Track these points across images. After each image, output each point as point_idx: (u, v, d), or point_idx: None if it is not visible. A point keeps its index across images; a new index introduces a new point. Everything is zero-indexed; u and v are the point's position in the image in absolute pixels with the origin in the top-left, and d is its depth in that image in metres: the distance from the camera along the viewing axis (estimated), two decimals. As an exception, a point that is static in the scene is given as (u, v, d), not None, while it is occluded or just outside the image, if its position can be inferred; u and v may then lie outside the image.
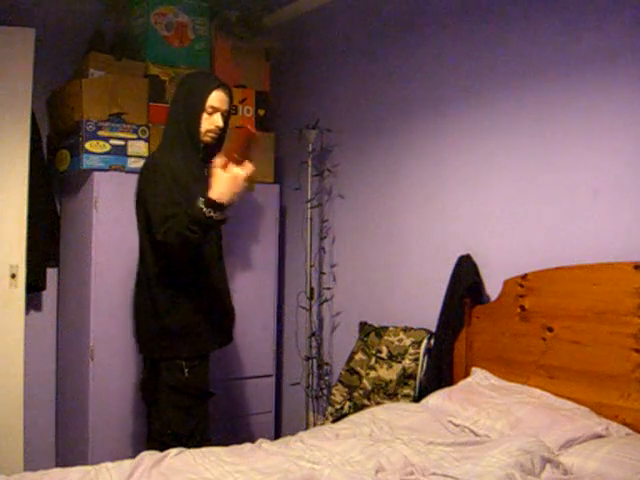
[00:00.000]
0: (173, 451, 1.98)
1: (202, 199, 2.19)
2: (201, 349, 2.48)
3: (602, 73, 2.34)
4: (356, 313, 3.27)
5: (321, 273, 3.53)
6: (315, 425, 3.25)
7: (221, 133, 2.55)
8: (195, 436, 2.37)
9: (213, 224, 2.24)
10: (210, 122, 2.49)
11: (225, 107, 2.53)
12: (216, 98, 2.48)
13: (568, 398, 2.26)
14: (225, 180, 2.20)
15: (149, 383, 2.55)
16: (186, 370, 2.40)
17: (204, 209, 2.17)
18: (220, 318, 2.56)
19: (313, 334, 3.45)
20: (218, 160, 2.25)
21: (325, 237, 3.52)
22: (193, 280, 2.45)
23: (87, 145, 2.97)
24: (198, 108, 2.46)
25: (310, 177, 3.41)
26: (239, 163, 2.23)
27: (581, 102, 2.40)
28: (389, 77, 3.22)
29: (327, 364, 3.48)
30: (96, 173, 3.02)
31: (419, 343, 2.80)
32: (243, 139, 2.26)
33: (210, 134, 2.50)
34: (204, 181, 2.55)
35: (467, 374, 2.63)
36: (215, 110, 2.49)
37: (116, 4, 3.43)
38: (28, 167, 2.93)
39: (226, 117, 2.55)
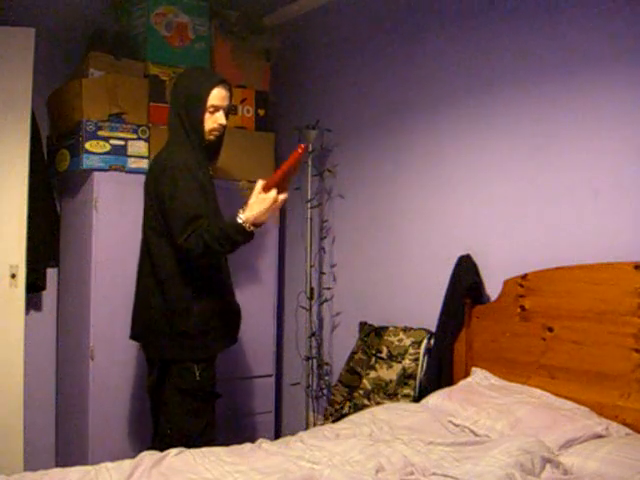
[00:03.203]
0: (173, 451, 1.97)
1: (239, 218, 2.21)
2: (212, 350, 2.46)
3: (602, 73, 2.34)
4: (356, 313, 3.27)
5: (321, 273, 3.53)
6: (315, 425, 3.25)
7: (223, 130, 2.53)
8: (203, 437, 2.36)
9: (243, 242, 2.26)
10: (213, 120, 2.47)
11: (226, 103, 2.50)
12: (217, 96, 2.46)
13: (568, 398, 2.26)
14: (265, 203, 2.22)
15: (158, 385, 2.52)
16: (197, 372, 2.38)
17: (240, 227, 2.21)
18: (230, 318, 2.55)
19: (313, 334, 3.45)
20: (260, 182, 2.26)
21: (325, 237, 3.52)
22: (208, 280, 2.45)
23: (87, 145, 2.97)
24: (200, 108, 2.44)
25: (310, 177, 3.41)
26: (281, 187, 2.24)
27: (581, 102, 2.40)
28: (389, 77, 3.22)
29: (327, 364, 3.48)
30: (96, 173, 3.01)
31: (419, 343, 2.80)
32: (297, 158, 2.22)
33: (214, 132, 2.49)
34: (210, 180, 2.53)
35: (467, 374, 2.63)
36: (217, 108, 2.46)
37: (116, 4, 3.43)
38: (28, 167, 2.92)
39: (227, 113, 2.53)
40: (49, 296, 3.41)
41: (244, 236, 2.24)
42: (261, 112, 3.50)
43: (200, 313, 2.40)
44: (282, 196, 2.26)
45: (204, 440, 2.33)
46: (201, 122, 2.45)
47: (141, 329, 2.53)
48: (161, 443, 2.38)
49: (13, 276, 2.92)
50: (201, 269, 2.42)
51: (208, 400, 2.46)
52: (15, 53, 2.87)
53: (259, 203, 2.23)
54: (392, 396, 2.77)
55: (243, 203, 2.27)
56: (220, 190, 2.74)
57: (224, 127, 2.52)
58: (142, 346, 2.61)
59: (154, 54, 3.21)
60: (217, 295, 2.47)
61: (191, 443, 2.22)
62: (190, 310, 2.39)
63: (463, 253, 2.73)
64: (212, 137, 2.50)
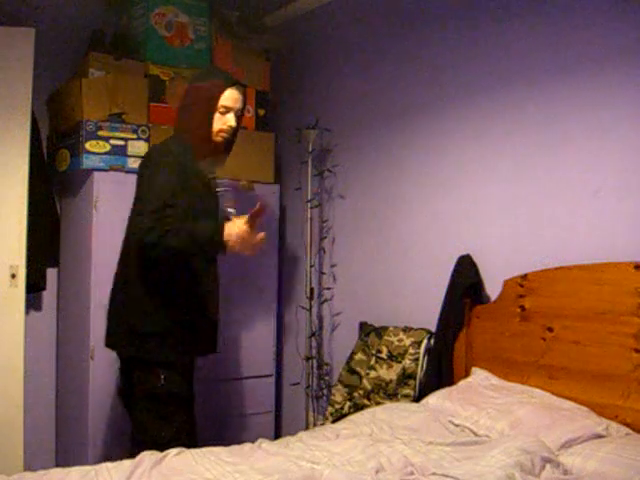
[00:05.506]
0: (173, 451, 1.97)
1: (217, 229, 2.18)
2: (177, 355, 2.36)
3: (603, 73, 2.34)
4: (356, 313, 3.27)
5: (321, 273, 3.53)
6: (315, 425, 3.25)
7: (233, 132, 2.48)
8: (173, 443, 2.18)
9: (209, 253, 2.24)
10: (222, 122, 2.42)
11: (238, 106, 2.46)
12: (229, 97, 2.42)
13: (568, 398, 2.26)
14: (247, 236, 2.21)
15: (126, 387, 2.45)
16: (162, 377, 2.30)
17: (213, 240, 2.17)
18: (201, 326, 2.45)
19: (313, 334, 3.45)
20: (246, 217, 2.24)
21: (325, 237, 3.52)
22: (176, 284, 2.36)
23: (87, 145, 2.97)
24: (210, 107, 2.40)
25: (310, 177, 3.41)
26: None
27: (581, 102, 2.40)
28: (389, 77, 3.22)
29: (327, 364, 3.48)
30: (96, 173, 3.02)
31: (419, 343, 2.80)
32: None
33: (222, 134, 2.44)
34: (208, 182, 2.48)
35: (467, 374, 2.63)
36: (228, 110, 2.42)
37: (116, 4, 3.43)
38: (28, 167, 2.93)
39: (239, 116, 2.49)
40: (49, 296, 3.41)
41: (214, 251, 2.21)
42: (261, 112, 3.50)
43: (159, 315, 2.32)
44: (261, 239, 2.27)
45: (177, 446, 2.14)
46: (210, 122, 2.40)
47: (107, 327, 2.46)
48: (134, 448, 2.28)
49: (13, 276, 2.92)
50: (166, 270, 2.33)
51: (178, 404, 2.36)
52: (15, 53, 2.87)
53: (243, 234, 2.21)
54: (392, 396, 2.77)
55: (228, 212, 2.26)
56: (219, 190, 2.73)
57: (234, 130, 2.47)
58: (107, 343, 2.49)
59: (154, 54, 3.21)
60: (185, 300, 2.38)
61: (162, 449, 2.08)
62: (149, 311, 2.32)
63: (463, 253, 2.73)
64: (219, 138, 2.44)
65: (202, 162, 2.45)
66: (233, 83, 2.46)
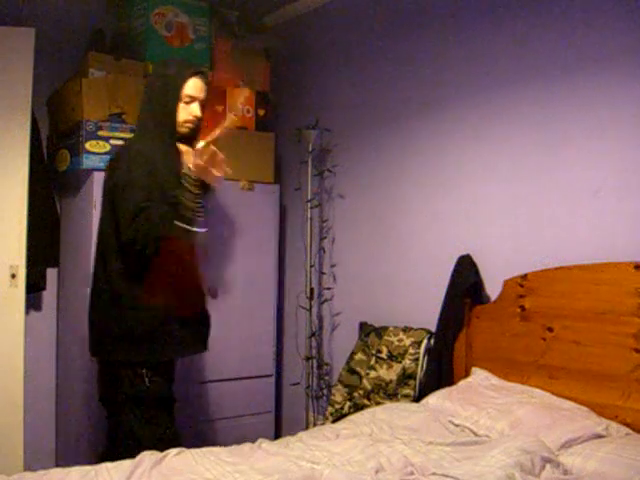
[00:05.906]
0: (173, 451, 1.97)
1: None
2: (162, 355, 2.33)
3: (603, 72, 2.34)
4: (356, 313, 3.27)
5: (321, 273, 3.53)
6: (315, 425, 3.25)
7: (198, 123, 2.42)
8: (161, 444, 2.14)
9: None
10: (187, 112, 2.37)
11: (203, 95, 2.40)
12: (193, 86, 2.37)
13: (568, 398, 2.26)
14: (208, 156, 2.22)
15: (109, 390, 2.41)
16: (147, 379, 2.27)
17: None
18: (190, 324, 2.40)
19: (313, 334, 3.45)
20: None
21: (325, 237, 3.52)
22: (160, 280, 2.30)
23: (87, 145, 2.97)
24: (174, 98, 2.34)
25: (310, 177, 3.41)
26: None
27: (581, 102, 2.40)
28: (389, 77, 3.22)
29: (327, 364, 3.48)
30: (96, 173, 3.01)
31: (419, 343, 2.80)
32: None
33: (187, 124, 2.39)
34: (179, 175, 2.39)
35: (467, 374, 2.63)
36: (192, 99, 2.37)
37: (116, 4, 3.43)
38: (28, 167, 2.93)
39: (204, 105, 2.43)
40: (49, 296, 3.41)
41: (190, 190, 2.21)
42: (261, 112, 3.50)
43: (146, 314, 2.28)
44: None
45: (163, 447, 2.11)
46: (174, 112, 2.35)
47: (92, 333, 2.41)
48: (118, 450, 2.25)
49: (13, 276, 2.92)
50: (150, 266, 2.28)
51: (163, 407, 2.34)
52: (15, 53, 2.87)
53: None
54: (392, 396, 2.77)
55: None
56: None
57: (199, 120, 2.41)
58: (93, 351, 2.45)
59: (154, 54, 3.21)
60: (174, 298, 2.33)
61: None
62: (135, 310, 2.27)
63: (463, 253, 2.73)
64: (185, 129, 2.39)
65: (170, 156, 2.38)
66: (196, 72, 2.41)
